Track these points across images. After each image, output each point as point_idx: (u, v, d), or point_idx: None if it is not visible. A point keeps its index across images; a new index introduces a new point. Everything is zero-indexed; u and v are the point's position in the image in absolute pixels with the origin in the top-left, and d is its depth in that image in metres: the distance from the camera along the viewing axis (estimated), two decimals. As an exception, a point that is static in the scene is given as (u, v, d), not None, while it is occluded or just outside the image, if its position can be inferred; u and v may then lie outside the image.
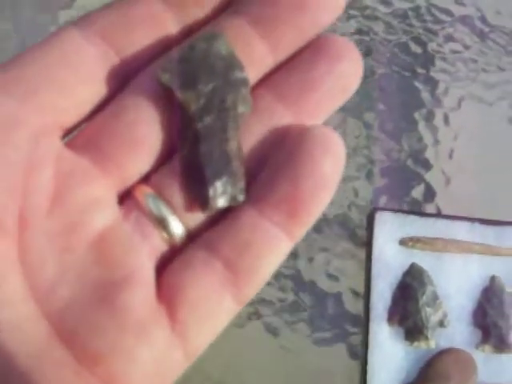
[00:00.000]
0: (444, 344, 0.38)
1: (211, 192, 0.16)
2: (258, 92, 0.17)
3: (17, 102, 0.15)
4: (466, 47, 0.47)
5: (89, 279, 0.15)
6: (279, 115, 0.17)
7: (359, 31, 0.47)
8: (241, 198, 0.16)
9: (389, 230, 0.40)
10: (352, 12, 0.47)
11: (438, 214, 0.41)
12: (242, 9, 0.17)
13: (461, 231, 0.40)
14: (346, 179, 0.43)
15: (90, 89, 0.16)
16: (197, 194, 0.16)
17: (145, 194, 0.16)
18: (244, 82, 0.16)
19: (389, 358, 0.38)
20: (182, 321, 0.15)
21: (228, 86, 0.16)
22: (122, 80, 0.17)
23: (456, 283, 0.39)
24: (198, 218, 0.16)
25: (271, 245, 0.16)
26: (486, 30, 0.47)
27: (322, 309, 0.41)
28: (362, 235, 0.42)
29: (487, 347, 0.38)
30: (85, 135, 0.16)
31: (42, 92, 0.16)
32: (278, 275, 0.41)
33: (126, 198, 0.17)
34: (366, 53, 0.46)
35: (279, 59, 0.17)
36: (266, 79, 0.17)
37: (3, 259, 0.14)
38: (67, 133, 0.17)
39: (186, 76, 0.16)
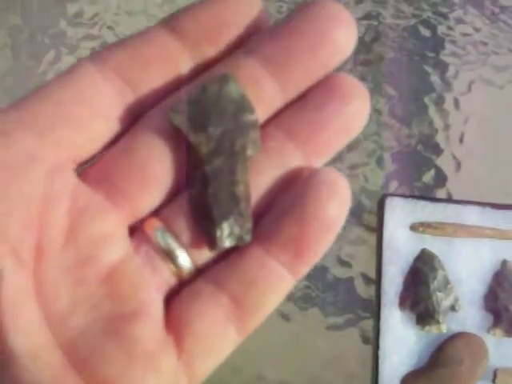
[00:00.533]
0: (455, 328, 0.39)
1: (218, 232, 0.17)
2: (269, 130, 0.17)
3: (35, 138, 0.16)
4: (476, 29, 0.46)
5: (100, 311, 0.16)
6: (289, 154, 0.17)
7: (368, 16, 0.46)
8: (247, 238, 0.17)
9: (399, 216, 0.40)
10: (360, -4, 0.47)
11: (449, 199, 0.42)
12: (254, 48, 0.17)
13: (472, 216, 0.40)
14: (356, 165, 0.43)
15: (104, 124, 0.17)
16: (205, 233, 0.17)
17: (154, 228, 0.17)
18: (254, 124, 0.17)
19: (400, 342, 0.38)
20: (188, 351, 0.16)
21: (238, 130, 0.17)
22: (135, 115, 0.17)
23: (467, 268, 0.40)
24: (205, 253, 0.17)
25: (276, 283, 0.17)
26: (497, 11, 0.47)
27: (334, 294, 0.41)
28: (372, 221, 0.42)
29: (498, 331, 0.38)
30: (98, 168, 0.17)
31: (59, 128, 0.16)
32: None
33: (136, 230, 0.17)
34: (375, 37, 0.46)
35: (289, 98, 0.17)
36: (276, 117, 0.18)
37: (20, 290, 0.15)
38: (81, 165, 0.17)
39: (196, 118, 0.17)
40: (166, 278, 0.17)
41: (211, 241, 0.17)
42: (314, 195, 0.16)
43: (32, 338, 0.15)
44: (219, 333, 0.16)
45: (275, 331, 0.40)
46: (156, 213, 0.17)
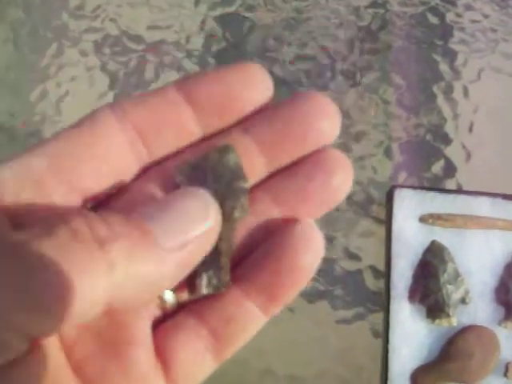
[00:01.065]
0: (466, 321, 0.38)
1: (198, 281, 0.19)
2: (257, 194, 0.19)
3: (51, 179, 0.18)
4: (485, 16, 0.45)
5: (103, 337, 0.18)
6: (273, 217, 0.19)
7: (374, 4, 0.45)
8: (223, 289, 0.19)
9: (408, 207, 0.39)
10: (367, -16, 0.46)
11: (459, 190, 0.41)
12: (251, 129, 0.19)
13: (482, 207, 0.40)
14: (364, 156, 0.42)
15: (110, 170, 0.19)
16: (187, 279, 0.18)
17: None
18: (245, 191, 0.19)
19: (410, 336, 0.38)
20: (173, 376, 0.19)
21: (229, 193, 0.19)
22: (143, 169, 0.19)
23: (478, 260, 0.39)
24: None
25: (251, 320, 0.19)
26: (507, -3, 0.46)
27: (342, 287, 0.40)
28: (381, 213, 0.41)
29: (510, 324, 0.38)
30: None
31: (69, 169, 0.18)
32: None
33: None
34: (382, 26, 0.45)
35: (274, 168, 0.20)
36: (265, 182, 0.20)
37: None
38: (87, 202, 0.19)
39: (195, 179, 0.19)
40: (152, 309, 0.19)
41: (192, 287, 0.19)
42: (290, 246, 0.18)
43: (51, 358, 0.17)
44: (199, 361, 0.19)
45: (284, 325, 0.40)
46: None
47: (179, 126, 0.19)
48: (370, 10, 0.45)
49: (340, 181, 0.19)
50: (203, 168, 0.19)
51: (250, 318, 0.19)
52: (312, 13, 0.45)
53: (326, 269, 0.41)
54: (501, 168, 0.42)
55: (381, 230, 0.41)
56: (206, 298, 0.19)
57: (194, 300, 0.19)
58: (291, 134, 0.19)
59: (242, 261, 0.19)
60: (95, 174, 0.18)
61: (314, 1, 0.45)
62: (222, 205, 0.18)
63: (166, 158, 0.19)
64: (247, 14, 0.45)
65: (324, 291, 0.40)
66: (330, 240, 0.41)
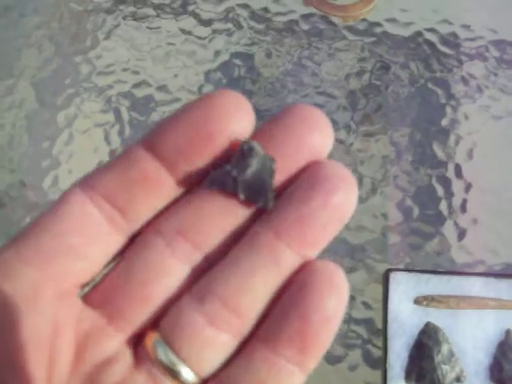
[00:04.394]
0: (461, 399, 0.40)
1: None
2: (258, 231, 0.18)
3: (37, 271, 0.17)
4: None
5: None
6: (282, 254, 0.18)
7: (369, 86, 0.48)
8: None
9: (403, 290, 0.41)
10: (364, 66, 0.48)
11: (452, 272, 0.43)
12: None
13: (475, 287, 0.41)
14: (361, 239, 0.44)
15: (99, 250, 0.18)
16: None
17: (154, 343, 0.18)
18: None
19: (408, 415, 0.40)
20: None
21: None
22: (127, 237, 0.19)
23: (472, 339, 0.41)
24: (208, 364, 0.18)
25: (287, 380, 0.17)
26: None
27: (342, 366, 0.42)
28: (379, 292, 0.43)
29: (504, 401, 0.39)
30: (100, 292, 0.19)
31: (58, 259, 0.18)
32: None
33: (138, 344, 0.19)
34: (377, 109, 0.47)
35: None
36: (263, 217, 0.18)
37: None
38: (84, 286, 0.19)
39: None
40: None
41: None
42: (313, 290, 0.17)
43: None
44: None
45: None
46: (155, 324, 0.18)
47: (149, 183, 0.18)
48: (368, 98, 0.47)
49: (342, 197, 0.17)
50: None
51: (285, 377, 0.17)
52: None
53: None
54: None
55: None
56: (231, 366, 0.18)
57: (218, 372, 0.18)
58: (280, 152, 0.18)
59: (262, 321, 0.18)
60: (80, 260, 0.18)
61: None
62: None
63: (149, 221, 0.19)
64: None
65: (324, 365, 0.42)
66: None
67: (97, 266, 0.19)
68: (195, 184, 0.18)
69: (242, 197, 0.18)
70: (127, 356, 0.18)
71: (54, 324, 0.17)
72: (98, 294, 0.19)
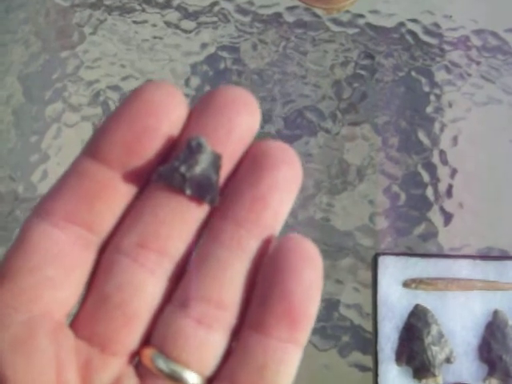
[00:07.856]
0: (451, 379, 0.40)
1: None
2: (216, 223, 0.18)
3: (25, 313, 0.17)
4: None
5: None
6: (246, 240, 0.18)
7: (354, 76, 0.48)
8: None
9: (392, 274, 0.42)
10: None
11: (440, 254, 0.43)
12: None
13: (463, 269, 0.42)
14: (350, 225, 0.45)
15: (77, 273, 0.18)
16: None
17: (152, 357, 0.18)
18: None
19: (399, 397, 0.40)
20: None
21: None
22: (99, 251, 0.19)
23: (460, 320, 0.41)
24: (209, 363, 0.18)
25: (284, 359, 0.17)
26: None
27: (334, 351, 0.43)
28: (368, 277, 0.44)
29: (493, 381, 0.40)
30: (80, 322, 0.18)
31: (41, 295, 0.17)
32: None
33: (137, 364, 0.19)
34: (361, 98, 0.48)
35: None
36: (219, 209, 0.18)
37: None
38: (68, 315, 0.19)
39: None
40: None
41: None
42: (287, 266, 0.17)
43: None
44: None
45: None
46: (146, 340, 0.19)
47: (103, 191, 0.18)
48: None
49: (287, 172, 0.18)
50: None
51: (281, 355, 0.17)
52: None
53: (317, 333, 0.43)
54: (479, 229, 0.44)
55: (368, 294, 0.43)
56: (231, 357, 0.18)
57: (220, 367, 0.18)
58: (213, 136, 0.18)
59: (247, 308, 0.18)
60: (61, 290, 0.18)
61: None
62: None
63: (115, 229, 0.18)
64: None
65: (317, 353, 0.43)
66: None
67: (78, 290, 0.18)
68: (147, 180, 0.18)
69: (188, 192, 0.18)
70: (131, 376, 0.18)
71: (57, 360, 0.17)
72: (80, 324, 0.18)
